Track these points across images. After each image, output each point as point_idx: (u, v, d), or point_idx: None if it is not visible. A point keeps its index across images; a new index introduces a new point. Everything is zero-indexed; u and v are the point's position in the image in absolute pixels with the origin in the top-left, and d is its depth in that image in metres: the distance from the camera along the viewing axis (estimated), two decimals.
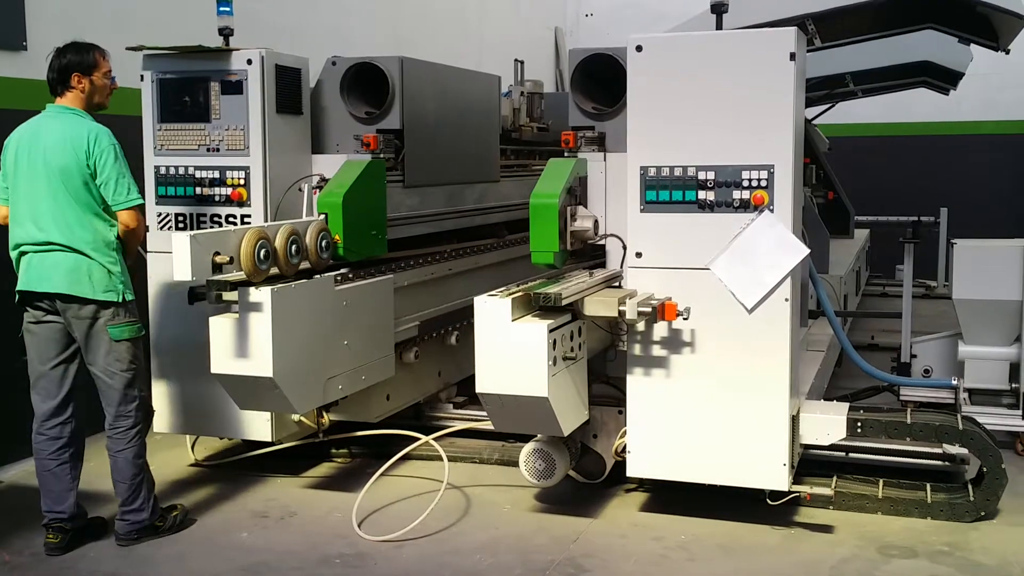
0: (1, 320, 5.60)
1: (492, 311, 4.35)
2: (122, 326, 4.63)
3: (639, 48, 4.71)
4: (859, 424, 5.04)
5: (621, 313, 4.44)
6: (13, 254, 4.68)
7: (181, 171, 5.44)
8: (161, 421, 5.59)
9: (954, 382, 6.30)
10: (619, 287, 4.92)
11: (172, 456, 5.99)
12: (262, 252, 4.56)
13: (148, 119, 5.48)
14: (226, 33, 5.45)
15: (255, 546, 4.76)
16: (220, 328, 4.63)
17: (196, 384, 5.41)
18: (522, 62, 7.59)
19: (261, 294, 4.55)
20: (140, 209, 4.67)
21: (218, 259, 4.38)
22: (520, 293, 4.42)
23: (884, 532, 4.84)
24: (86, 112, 4.68)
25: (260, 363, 4.58)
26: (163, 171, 5.46)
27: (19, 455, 5.75)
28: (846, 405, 5.22)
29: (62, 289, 4.54)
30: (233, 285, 4.60)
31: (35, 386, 4.72)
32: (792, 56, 4.47)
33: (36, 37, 5.92)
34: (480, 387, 4.42)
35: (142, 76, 5.46)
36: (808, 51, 6.92)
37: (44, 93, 4.80)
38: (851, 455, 5.50)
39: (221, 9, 5.42)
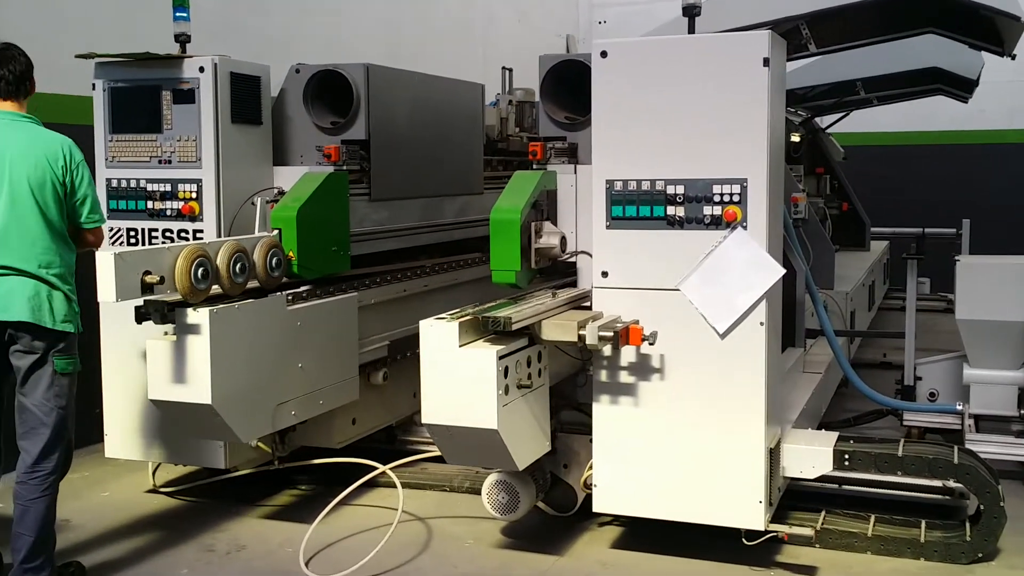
0: None
1: (438, 335, 4.04)
2: (67, 359, 4.23)
3: (604, 54, 4.40)
4: (847, 456, 4.68)
5: (581, 338, 4.12)
6: None
7: (133, 184, 5.19)
8: (113, 446, 5.33)
9: (959, 407, 5.96)
10: (589, 308, 4.60)
11: (130, 482, 5.75)
12: (200, 271, 4.29)
13: (100, 129, 5.25)
14: (182, 40, 5.20)
15: None
16: (157, 352, 4.36)
17: (147, 408, 5.14)
18: (510, 70, 7.30)
19: (199, 315, 4.27)
20: (102, 228, 4.37)
21: (148, 279, 4.10)
22: (469, 316, 4.11)
23: (871, 573, 4.48)
24: (35, 117, 4.32)
25: (198, 389, 4.30)
26: (115, 184, 5.22)
27: None
28: (834, 435, 4.86)
29: (24, 317, 4.10)
30: (172, 306, 4.33)
31: None
32: (766, 61, 4.14)
33: None
34: (426, 417, 4.12)
35: (94, 85, 5.22)
36: (802, 57, 6.63)
37: None
38: (844, 487, 5.16)
39: (177, 15, 5.18)
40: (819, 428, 5.80)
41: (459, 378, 4.00)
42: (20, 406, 4.22)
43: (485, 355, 3.97)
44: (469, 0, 11.24)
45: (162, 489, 5.64)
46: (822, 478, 4.88)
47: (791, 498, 4.98)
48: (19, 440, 4.23)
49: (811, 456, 4.69)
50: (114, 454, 5.34)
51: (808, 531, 4.47)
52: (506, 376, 4.03)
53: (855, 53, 8.57)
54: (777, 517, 4.73)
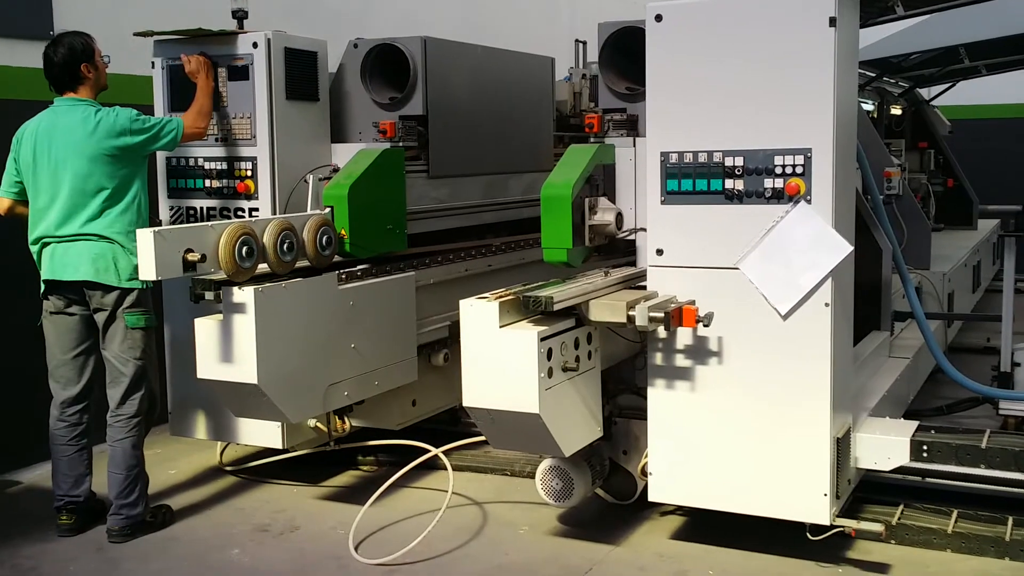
0: (16, 322, 5.50)
1: (478, 316, 3.88)
2: (138, 315, 4.67)
3: (658, 17, 4.18)
4: (925, 447, 4.37)
5: (630, 319, 3.92)
6: (34, 248, 4.72)
7: (192, 163, 5.17)
8: (175, 424, 5.35)
9: None
10: (644, 288, 4.38)
11: (198, 459, 5.78)
12: (244, 249, 4.20)
13: (159, 108, 5.23)
14: (240, 16, 5.15)
15: (241, 565, 4.44)
16: (205, 330, 4.32)
17: (205, 387, 5.12)
18: (584, 43, 7.05)
19: (244, 294, 4.21)
20: (189, 129, 4.77)
21: (190, 256, 4.05)
22: (511, 296, 3.94)
23: (949, 573, 4.18)
24: (96, 101, 4.72)
25: (244, 368, 4.24)
26: (174, 163, 5.20)
27: (38, 457, 5.59)
28: (913, 424, 4.56)
29: (89, 277, 4.57)
30: (218, 284, 4.28)
31: (54, 374, 4.78)
32: (832, 21, 3.85)
33: (63, 27, 5.71)
34: (467, 400, 3.97)
35: (153, 63, 5.21)
36: (889, 20, 6.24)
37: None
38: (928, 480, 4.83)
39: None
40: (906, 416, 5.48)
41: (499, 360, 3.84)
42: (104, 357, 4.72)
43: (526, 336, 3.80)
44: None
45: (228, 468, 5.65)
46: (905, 471, 4.60)
47: (870, 491, 4.71)
48: (106, 387, 4.72)
49: (886, 446, 4.40)
50: (176, 432, 5.37)
51: (877, 527, 4.17)
52: (549, 358, 3.85)
53: (959, 17, 8.09)
54: (852, 510, 4.46)
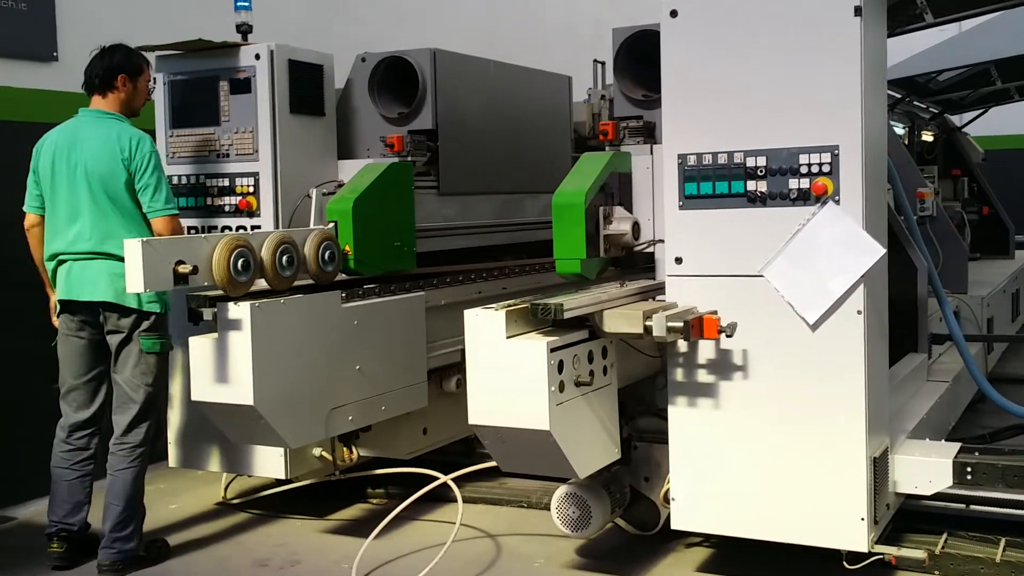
0: (8, 357, 5.33)
1: (484, 326, 3.64)
2: (154, 339, 4.48)
3: (674, 13, 3.94)
4: (969, 469, 4.06)
5: (647, 329, 3.65)
6: (50, 265, 4.53)
7: (192, 180, 4.99)
8: (175, 456, 5.12)
9: None
10: (663, 300, 4.12)
11: (203, 494, 5.54)
12: (240, 262, 3.99)
13: (161, 125, 5.07)
14: (244, 30, 5.01)
15: None
16: (200, 349, 4.09)
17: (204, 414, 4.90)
18: (603, 63, 6.86)
19: (240, 310, 3.98)
20: (174, 219, 4.45)
21: (180, 269, 3.83)
22: (520, 305, 3.69)
23: None
24: (123, 116, 4.53)
25: (240, 389, 4.00)
26: (175, 180, 5.01)
27: (35, 493, 5.37)
28: (956, 446, 4.25)
29: (108, 298, 4.39)
30: (213, 300, 4.06)
31: (66, 397, 4.60)
32: (858, 11, 3.61)
33: (67, 48, 5.63)
34: (473, 418, 3.71)
35: (155, 79, 5.05)
36: (917, 28, 6.01)
37: (75, 104, 4.56)
38: (973, 507, 4.52)
39: (239, 4, 5.00)
40: None
41: (506, 373, 3.57)
42: (113, 381, 4.53)
43: (534, 347, 3.54)
44: (573, 5, 10.88)
45: (232, 501, 5.40)
46: (949, 497, 4.29)
47: (913, 520, 4.38)
48: (112, 413, 4.51)
49: (927, 469, 4.10)
50: (176, 464, 5.13)
51: (920, 554, 3.86)
52: (560, 371, 3.59)
53: (987, 36, 7.85)
54: (892, 539, 4.14)
